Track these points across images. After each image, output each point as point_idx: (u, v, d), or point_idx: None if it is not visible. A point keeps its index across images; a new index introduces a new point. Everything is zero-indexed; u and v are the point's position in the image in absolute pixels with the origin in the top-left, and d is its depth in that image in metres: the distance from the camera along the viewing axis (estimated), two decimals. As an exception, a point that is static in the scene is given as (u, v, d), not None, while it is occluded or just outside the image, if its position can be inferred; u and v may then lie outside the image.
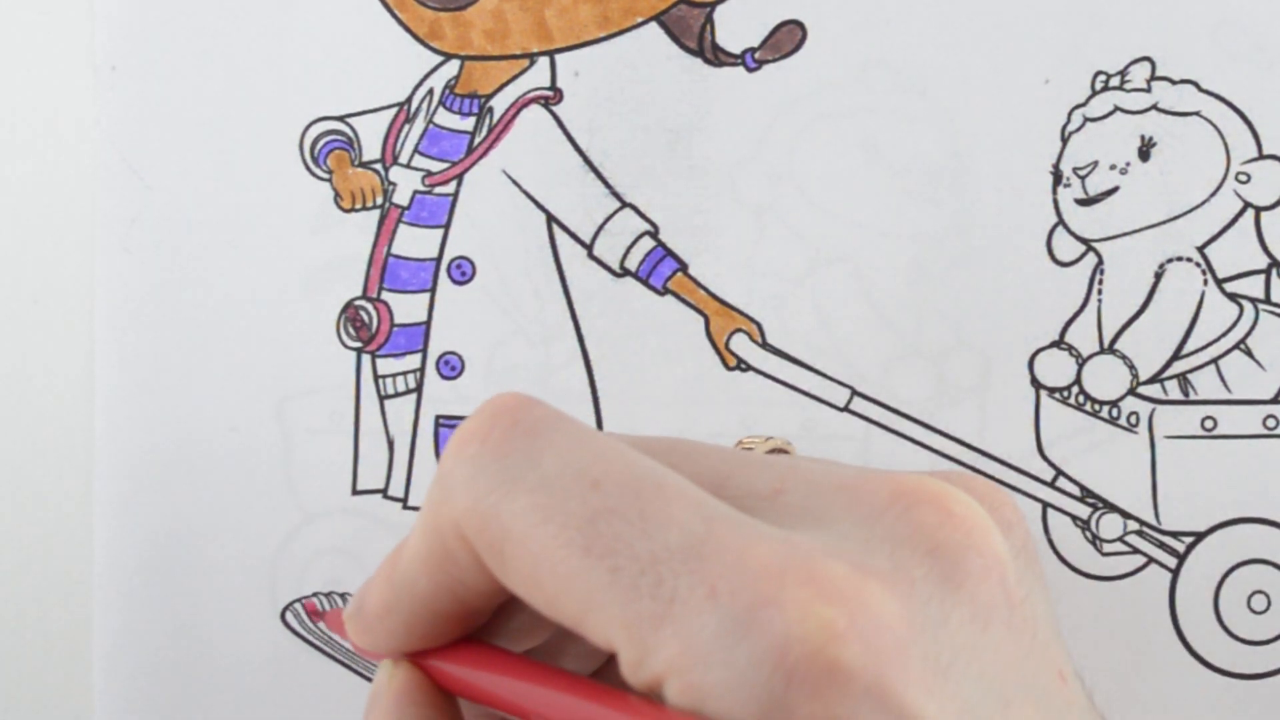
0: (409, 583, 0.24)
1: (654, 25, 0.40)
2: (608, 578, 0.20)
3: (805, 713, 0.19)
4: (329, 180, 0.41)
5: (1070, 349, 0.40)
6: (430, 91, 0.41)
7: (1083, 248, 0.40)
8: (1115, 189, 0.39)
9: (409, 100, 0.41)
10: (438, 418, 0.41)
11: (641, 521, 0.21)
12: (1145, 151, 0.39)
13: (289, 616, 0.41)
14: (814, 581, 0.20)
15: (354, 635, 0.26)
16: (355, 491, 0.41)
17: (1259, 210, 0.39)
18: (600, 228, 0.40)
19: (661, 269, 0.40)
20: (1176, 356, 0.39)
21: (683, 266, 0.40)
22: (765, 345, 0.40)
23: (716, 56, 0.40)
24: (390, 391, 0.41)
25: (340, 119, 0.41)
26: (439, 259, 0.41)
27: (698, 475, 0.22)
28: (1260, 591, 0.39)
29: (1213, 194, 0.39)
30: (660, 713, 0.20)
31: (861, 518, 0.22)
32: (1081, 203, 0.40)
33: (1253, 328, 0.39)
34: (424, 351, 0.41)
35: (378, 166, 0.41)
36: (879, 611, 0.20)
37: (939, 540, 0.21)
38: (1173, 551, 0.39)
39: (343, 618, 0.27)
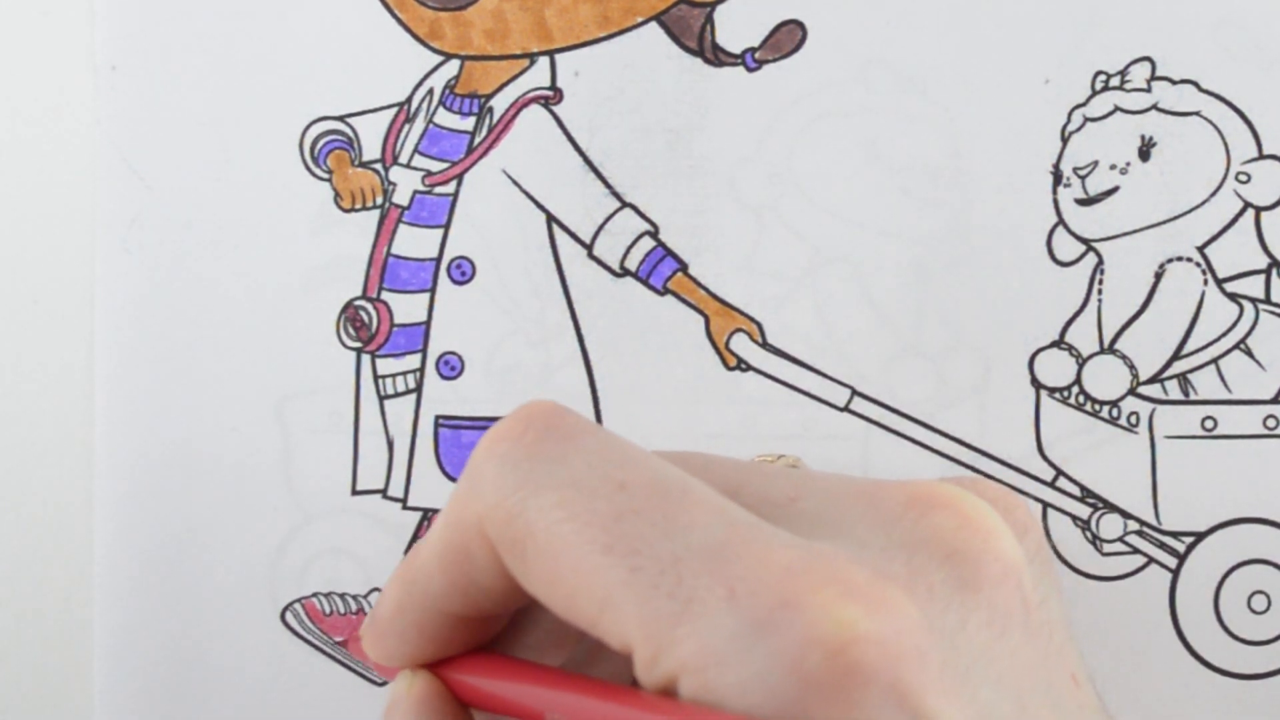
0: (423, 580, 0.24)
1: (654, 25, 0.40)
2: (627, 575, 0.20)
3: (822, 716, 0.19)
4: (329, 180, 0.41)
5: (1070, 349, 0.40)
6: (430, 91, 0.41)
7: (1083, 248, 0.40)
8: (1115, 189, 0.39)
9: (409, 100, 0.41)
10: (437, 418, 0.41)
11: (665, 523, 0.21)
12: (1145, 151, 0.39)
13: (289, 616, 0.41)
14: (834, 584, 0.20)
15: (367, 645, 0.26)
16: (355, 492, 0.41)
17: (1259, 210, 0.39)
18: (600, 228, 0.40)
19: (661, 269, 0.40)
20: (1176, 356, 0.39)
21: (683, 266, 0.40)
22: (765, 345, 0.40)
23: (716, 56, 0.40)
24: (390, 391, 0.41)
25: (340, 119, 0.41)
26: (439, 259, 0.41)
27: (714, 484, 0.23)
28: (1260, 591, 0.39)
29: (1213, 194, 0.39)
30: (678, 707, 0.20)
31: (877, 524, 0.22)
32: (1081, 203, 0.40)
33: (1253, 328, 0.39)
34: (424, 351, 0.41)
35: (378, 166, 0.41)
36: (898, 615, 0.20)
37: (955, 545, 0.21)
38: (1173, 551, 0.39)
39: (360, 629, 0.27)
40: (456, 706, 0.25)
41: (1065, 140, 0.40)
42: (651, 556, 0.21)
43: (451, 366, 0.41)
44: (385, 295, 0.41)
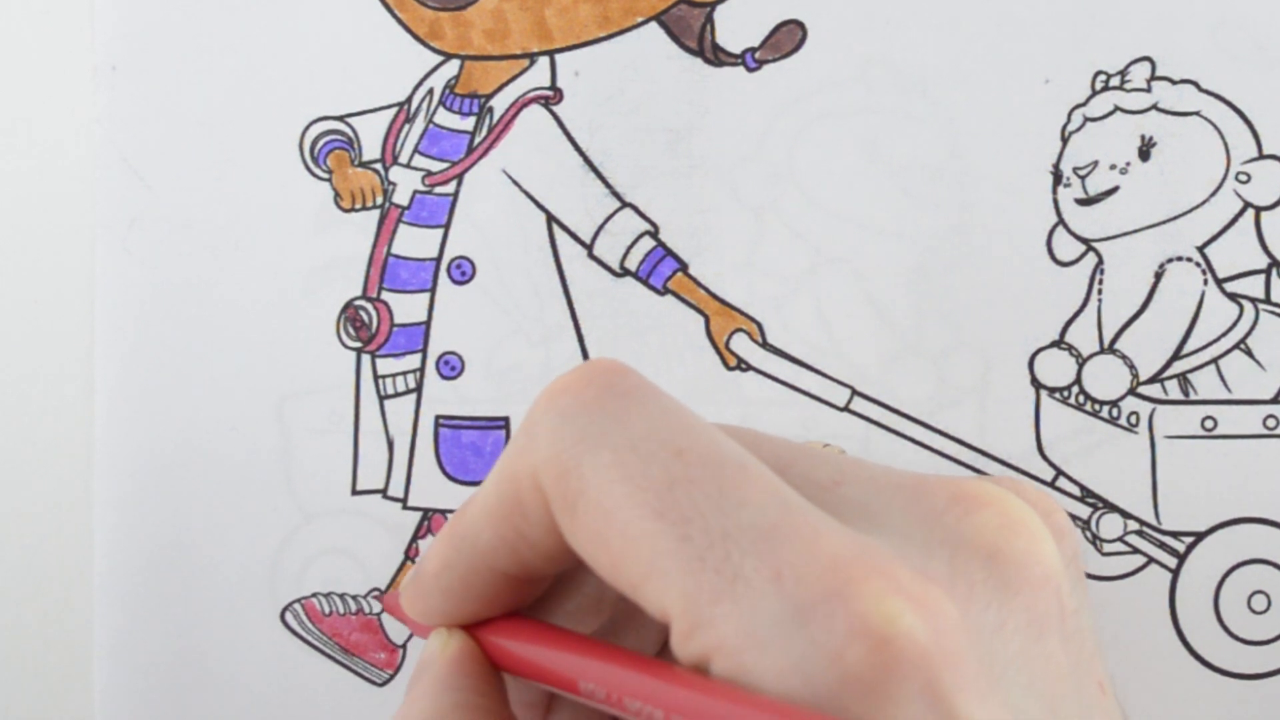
0: (472, 534, 0.24)
1: (654, 25, 0.40)
2: (676, 544, 0.20)
3: (856, 709, 0.19)
4: (329, 180, 0.41)
5: (1070, 349, 0.40)
6: (430, 91, 0.41)
7: (1083, 248, 0.40)
8: (1115, 189, 0.39)
9: (409, 100, 0.41)
10: (437, 418, 0.41)
11: (719, 496, 0.21)
12: (1145, 151, 0.39)
13: (289, 616, 0.41)
14: (880, 578, 0.20)
15: (408, 602, 0.26)
16: (355, 491, 0.41)
17: (1259, 210, 0.39)
18: (600, 228, 0.40)
19: (661, 269, 0.40)
20: (1176, 356, 0.39)
21: (683, 266, 0.40)
22: (765, 345, 0.40)
23: (716, 56, 0.40)
24: (390, 391, 0.41)
25: (340, 119, 0.41)
26: (439, 259, 0.41)
27: (763, 460, 0.22)
28: (1260, 591, 0.39)
29: (1213, 194, 0.39)
30: (714, 685, 0.20)
31: (920, 518, 0.22)
32: (1081, 202, 0.40)
33: (1253, 328, 0.39)
34: (424, 351, 0.41)
35: (378, 166, 0.41)
36: (939, 614, 0.20)
37: (998, 546, 0.21)
38: (1173, 551, 0.39)
39: (401, 586, 0.27)
40: (489, 669, 0.25)
41: (1065, 140, 0.40)
42: (702, 528, 0.20)
43: (451, 366, 0.41)
44: (385, 295, 0.41)
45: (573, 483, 0.22)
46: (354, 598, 0.41)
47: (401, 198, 0.41)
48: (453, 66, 0.41)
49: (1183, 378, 0.39)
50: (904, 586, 0.20)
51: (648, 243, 0.40)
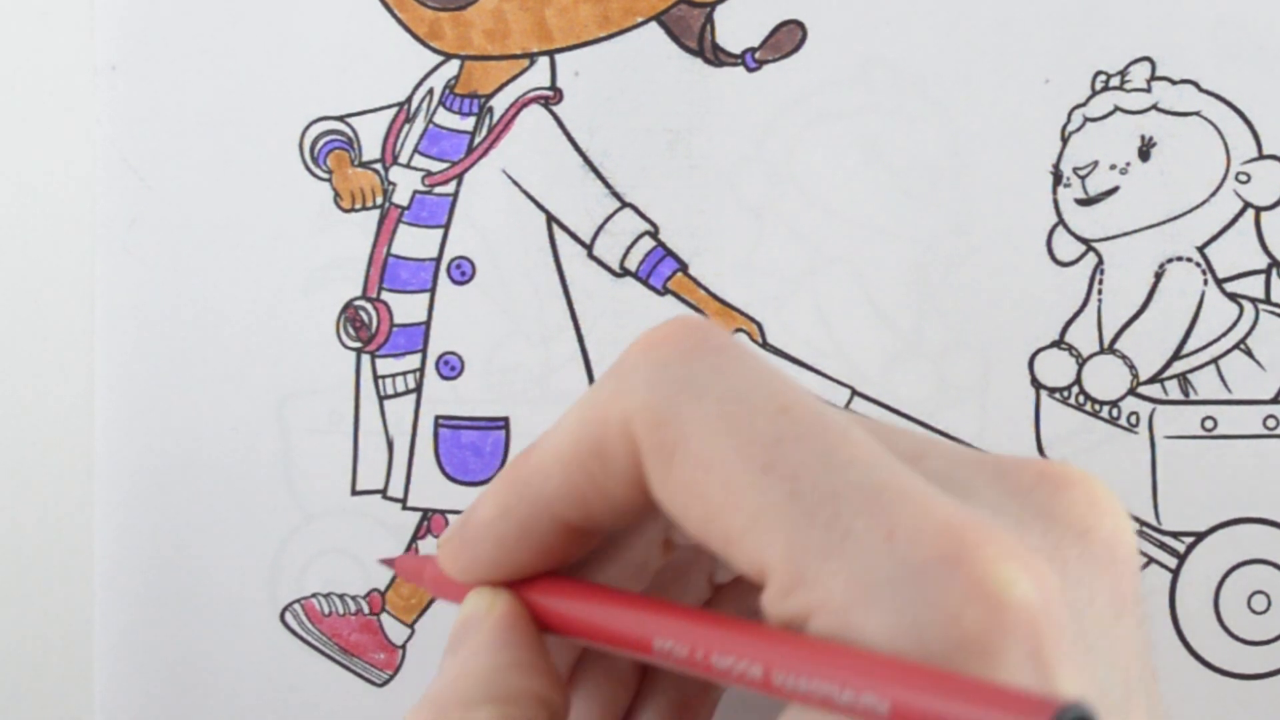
0: (538, 479, 0.23)
1: (654, 25, 0.40)
2: (785, 499, 0.20)
3: (967, 668, 0.19)
4: (329, 180, 0.41)
5: (1070, 349, 0.40)
6: (430, 91, 0.41)
7: (1083, 248, 0.40)
8: (1115, 189, 0.39)
9: (409, 100, 0.41)
10: (437, 418, 0.41)
11: (826, 454, 0.21)
12: (1145, 151, 0.39)
13: (289, 617, 0.41)
14: (994, 544, 0.20)
15: (449, 555, 0.25)
16: (355, 492, 0.41)
17: (1259, 210, 0.39)
18: (600, 228, 0.40)
19: (661, 269, 0.40)
20: (1176, 356, 0.39)
21: (683, 266, 0.40)
22: (765, 345, 0.40)
23: (716, 56, 0.40)
24: (390, 392, 0.41)
25: (340, 119, 0.41)
26: (439, 259, 0.41)
27: None
28: (1260, 591, 0.39)
29: (1213, 194, 0.39)
30: (814, 641, 0.20)
31: (1009, 493, 0.22)
32: (1081, 203, 0.40)
33: (1253, 328, 0.39)
34: (424, 351, 0.41)
35: (378, 166, 0.41)
36: (1047, 584, 0.20)
37: (1089, 524, 0.22)
38: (1173, 551, 0.39)
39: (439, 541, 0.25)
40: (536, 633, 0.24)
41: (1065, 140, 0.40)
42: (811, 484, 0.20)
43: (451, 366, 0.41)
44: (385, 295, 0.41)
45: (671, 432, 0.21)
46: (354, 598, 0.41)
47: (401, 198, 0.41)
48: (453, 66, 0.41)
49: (1183, 378, 0.39)
50: (1017, 555, 0.20)
51: (648, 243, 0.40)
